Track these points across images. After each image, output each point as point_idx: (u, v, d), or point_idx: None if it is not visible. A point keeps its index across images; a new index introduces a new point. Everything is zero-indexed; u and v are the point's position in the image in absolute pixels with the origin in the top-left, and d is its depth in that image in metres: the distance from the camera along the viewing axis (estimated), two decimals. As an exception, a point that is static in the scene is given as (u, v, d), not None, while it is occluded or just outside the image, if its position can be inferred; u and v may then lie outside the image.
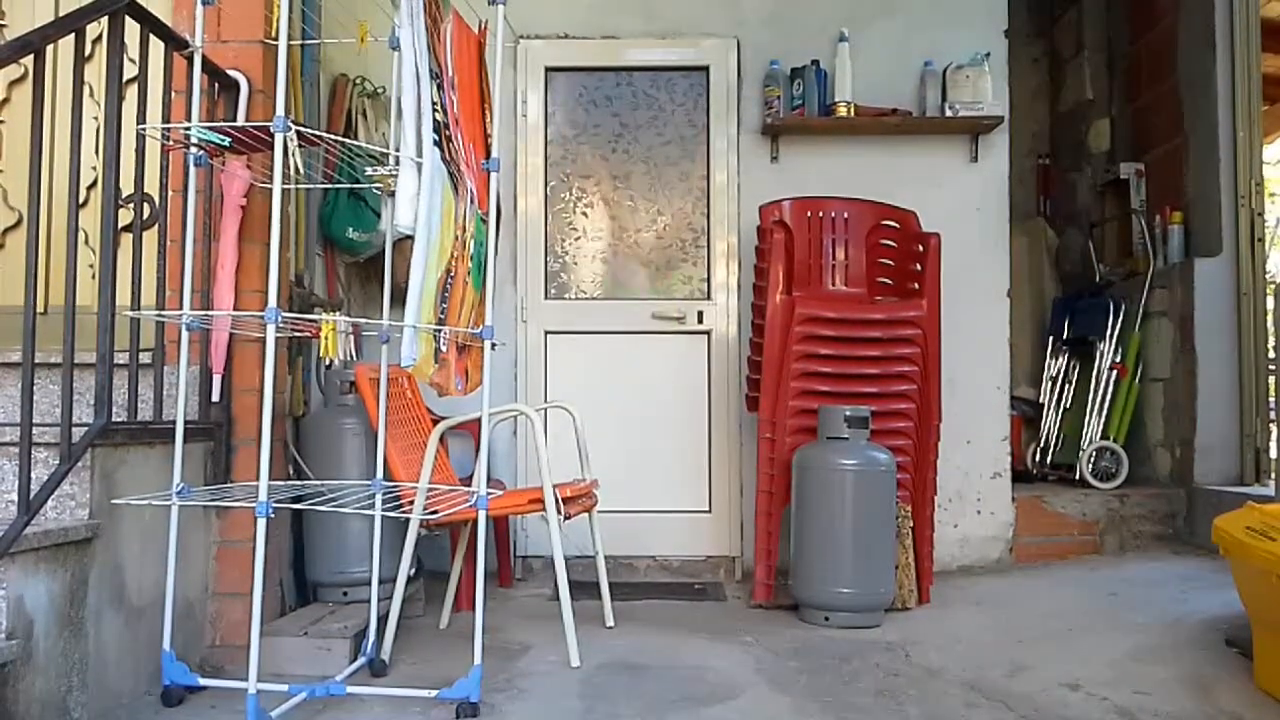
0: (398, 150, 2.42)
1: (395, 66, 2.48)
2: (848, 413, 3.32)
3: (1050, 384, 5.21)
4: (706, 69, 4.35)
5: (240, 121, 2.71)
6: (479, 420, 2.58)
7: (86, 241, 2.89)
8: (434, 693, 2.42)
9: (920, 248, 3.71)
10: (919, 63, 4.23)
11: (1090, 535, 4.33)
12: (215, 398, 2.79)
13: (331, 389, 3.33)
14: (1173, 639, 2.97)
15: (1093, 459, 4.70)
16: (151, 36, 2.52)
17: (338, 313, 3.59)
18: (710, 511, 4.27)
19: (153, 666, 2.46)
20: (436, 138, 2.45)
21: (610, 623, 3.27)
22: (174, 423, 2.49)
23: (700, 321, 4.30)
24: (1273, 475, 4.16)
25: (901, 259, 3.92)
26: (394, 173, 2.45)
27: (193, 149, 2.55)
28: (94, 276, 2.45)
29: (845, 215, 4.06)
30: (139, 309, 2.49)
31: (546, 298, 4.35)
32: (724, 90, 4.33)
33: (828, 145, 4.26)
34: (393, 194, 2.44)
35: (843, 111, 4.13)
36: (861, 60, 4.18)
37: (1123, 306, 4.85)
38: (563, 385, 4.29)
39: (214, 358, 2.78)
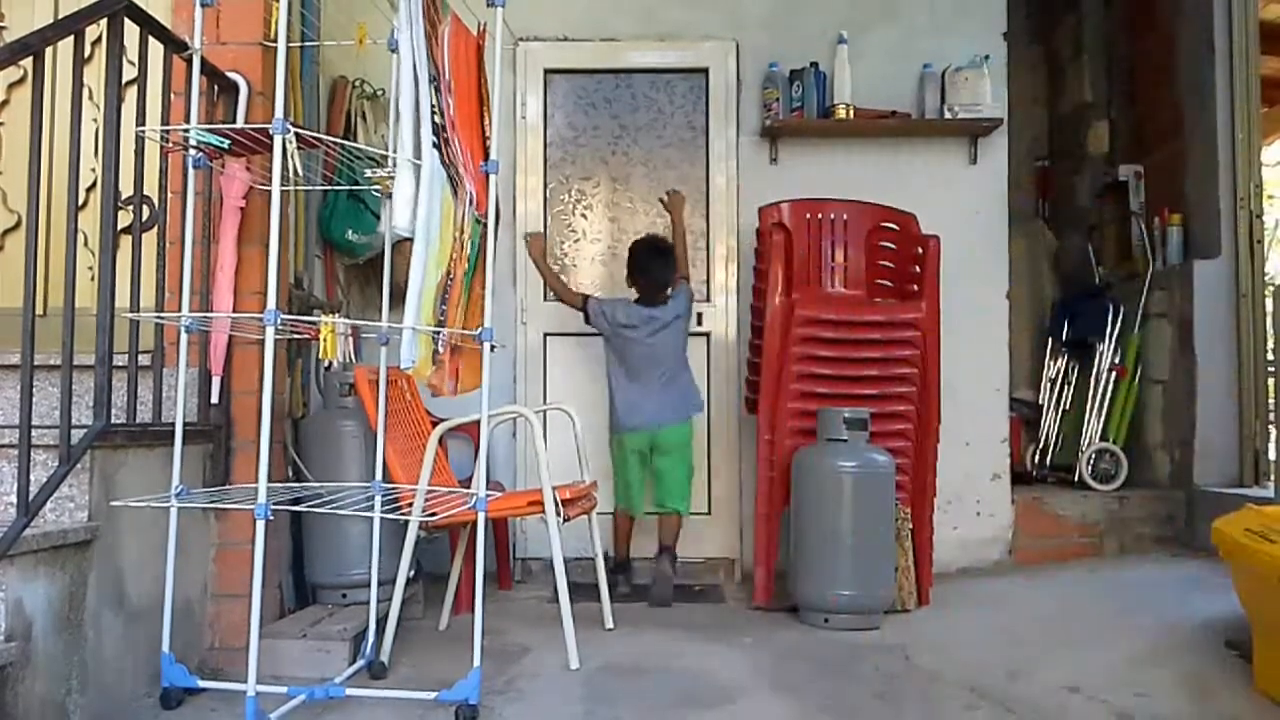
0: (396, 152, 2.42)
1: (394, 69, 2.48)
2: (847, 414, 3.32)
3: (1049, 386, 5.21)
4: (706, 71, 4.35)
5: (239, 123, 2.71)
6: (478, 422, 2.58)
7: (86, 243, 2.88)
8: (433, 695, 2.42)
9: (919, 250, 3.71)
10: (918, 65, 4.24)
11: (1090, 537, 4.33)
12: (214, 399, 2.79)
13: (331, 391, 3.32)
14: (1172, 641, 2.97)
15: (1092, 461, 4.70)
16: (150, 38, 2.52)
17: (337, 314, 3.58)
18: (710, 513, 4.27)
19: (152, 668, 2.46)
20: (435, 140, 2.45)
21: (610, 625, 3.27)
22: (173, 424, 2.48)
23: (699, 324, 4.29)
24: (1272, 477, 4.15)
25: (901, 261, 3.93)
26: (393, 175, 2.45)
27: (192, 151, 2.55)
28: (93, 278, 2.44)
29: (844, 217, 4.06)
30: (138, 311, 2.49)
31: (546, 300, 4.35)
32: (723, 92, 4.33)
33: (827, 147, 4.26)
34: (391, 196, 2.44)
35: (842, 114, 4.14)
36: (860, 63, 4.18)
37: (1122, 308, 4.85)
38: (562, 387, 4.29)
39: (213, 359, 2.78)
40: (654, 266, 3.79)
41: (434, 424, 3.11)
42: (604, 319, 3.78)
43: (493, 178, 2.66)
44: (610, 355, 3.85)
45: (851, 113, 4.14)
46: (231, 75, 2.82)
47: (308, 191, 3.32)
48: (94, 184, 2.71)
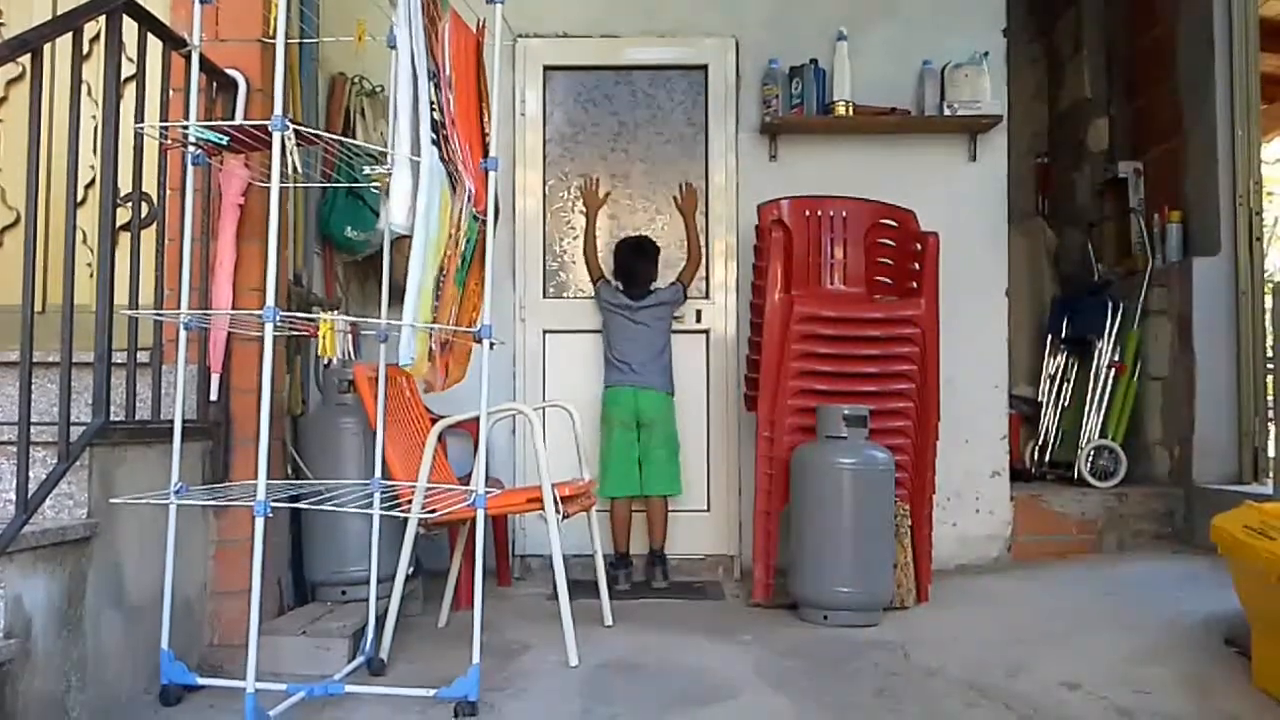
0: (393, 149, 2.41)
1: (393, 66, 2.48)
2: (846, 411, 3.32)
3: (1049, 382, 5.22)
4: (705, 68, 4.35)
5: (238, 120, 2.71)
6: (477, 419, 2.58)
7: (84, 240, 2.88)
8: (433, 692, 2.42)
9: (919, 247, 3.71)
10: (917, 62, 4.23)
11: (1089, 534, 4.34)
12: (213, 397, 2.79)
13: (330, 388, 3.32)
14: (1172, 638, 2.97)
15: (1091, 458, 4.70)
16: (149, 35, 2.51)
17: (336, 312, 3.59)
18: (709, 510, 4.27)
19: (151, 666, 2.46)
20: (434, 136, 2.45)
21: (609, 622, 3.27)
22: (172, 422, 2.48)
23: (699, 321, 4.30)
24: (1271, 474, 4.16)
25: (900, 258, 3.92)
26: (391, 171, 2.45)
27: (191, 148, 2.54)
28: (92, 275, 2.44)
29: (844, 214, 4.05)
30: (137, 308, 2.49)
31: (545, 297, 4.35)
32: (722, 89, 4.33)
33: (826, 144, 4.26)
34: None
35: (841, 110, 4.13)
36: (860, 59, 4.18)
37: (1121, 305, 4.85)
38: (561, 384, 4.29)
39: (212, 357, 2.78)
40: (636, 266, 4.10)
41: (433, 421, 3.10)
42: (602, 297, 4.12)
43: (492, 174, 2.66)
44: (605, 330, 4.13)
45: (851, 109, 4.14)
46: (230, 72, 2.81)
47: (307, 188, 3.31)
48: (93, 181, 2.70)
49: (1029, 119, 5.76)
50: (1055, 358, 5.21)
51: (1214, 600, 3.16)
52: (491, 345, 2.54)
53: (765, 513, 3.57)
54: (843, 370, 3.53)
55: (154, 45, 2.54)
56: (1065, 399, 5.15)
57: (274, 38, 2.32)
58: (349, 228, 3.56)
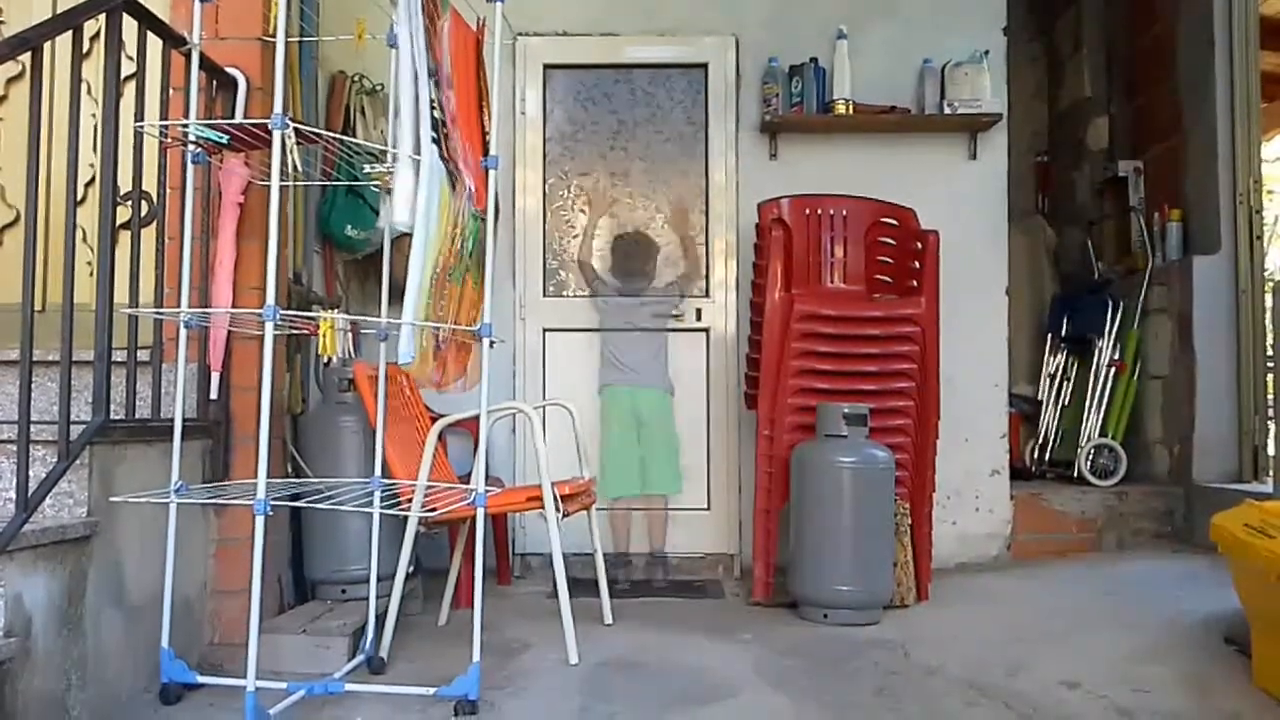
0: (395, 148, 2.41)
1: (393, 64, 2.48)
2: (846, 410, 3.31)
3: (1049, 381, 5.22)
4: (705, 67, 4.35)
5: (238, 119, 2.70)
6: (477, 418, 2.58)
7: (84, 239, 2.88)
8: (433, 690, 2.42)
9: (919, 245, 3.71)
10: (918, 60, 4.23)
11: (1089, 533, 4.34)
12: (214, 395, 2.79)
13: (330, 387, 3.32)
14: (1171, 637, 2.97)
15: (1091, 456, 4.70)
16: (149, 34, 2.51)
17: (336, 310, 3.59)
18: (709, 509, 4.27)
19: (151, 664, 2.46)
20: (435, 135, 2.45)
21: (609, 620, 3.27)
22: (172, 420, 2.48)
23: (699, 319, 4.30)
24: (1271, 472, 4.16)
25: (900, 257, 3.92)
26: (392, 170, 2.45)
27: (191, 146, 2.54)
28: (92, 274, 2.44)
29: (844, 213, 4.05)
30: (137, 306, 2.49)
31: (545, 295, 4.35)
32: (722, 88, 4.33)
33: (826, 143, 4.26)
34: (390, 191, 2.44)
35: (841, 109, 4.13)
36: (860, 58, 4.17)
37: (1121, 304, 4.84)
38: (561, 383, 4.28)
39: (212, 355, 2.78)
40: (634, 264, 4.20)
41: (433, 420, 3.10)
42: (600, 297, 4.19)
43: (492, 173, 2.66)
44: (602, 329, 4.19)
45: (851, 108, 4.14)
46: (230, 70, 2.81)
47: (307, 187, 3.31)
48: (92, 179, 2.70)
49: (1029, 118, 5.75)
50: (1055, 356, 5.21)
51: (1214, 599, 3.16)
52: (491, 344, 2.54)
53: (765, 511, 3.57)
54: (843, 369, 3.53)
55: (154, 44, 2.54)
56: (1065, 397, 5.15)
57: (274, 36, 2.32)
58: (349, 226, 3.57)
